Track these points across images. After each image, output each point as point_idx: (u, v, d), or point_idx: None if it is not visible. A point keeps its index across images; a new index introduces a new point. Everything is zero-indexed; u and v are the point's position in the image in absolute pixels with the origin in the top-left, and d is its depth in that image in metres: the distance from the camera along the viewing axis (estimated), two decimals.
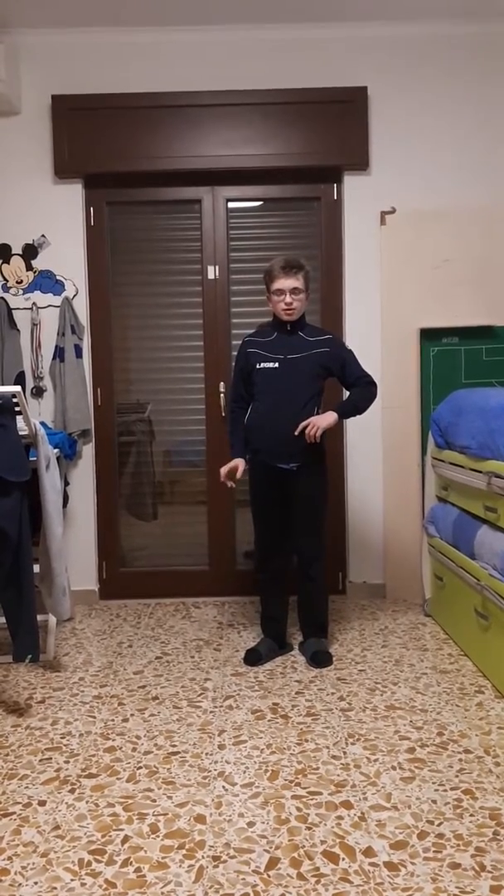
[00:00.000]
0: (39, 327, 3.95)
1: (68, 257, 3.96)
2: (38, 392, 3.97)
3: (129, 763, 2.36)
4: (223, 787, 2.21)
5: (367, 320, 3.96)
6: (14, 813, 2.10)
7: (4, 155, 3.93)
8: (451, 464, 3.33)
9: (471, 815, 2.04)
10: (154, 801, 2.15)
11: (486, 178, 3.93)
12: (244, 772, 2.29)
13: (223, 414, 4.02)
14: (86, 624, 3.75)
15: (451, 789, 2.17)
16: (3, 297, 3.92)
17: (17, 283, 3.96)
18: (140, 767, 2.33)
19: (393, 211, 3.93)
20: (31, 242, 3.96)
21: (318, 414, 3.05)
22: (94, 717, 2.68)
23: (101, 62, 3.89)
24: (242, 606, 3.95)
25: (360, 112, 3.84)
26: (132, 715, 2.70)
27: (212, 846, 1.93)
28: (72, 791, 2.21)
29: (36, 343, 3.95)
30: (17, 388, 2.73)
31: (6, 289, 3.96)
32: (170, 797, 2.16)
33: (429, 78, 3.90)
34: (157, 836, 1.98)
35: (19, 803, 2.15)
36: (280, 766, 2.32)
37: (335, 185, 3.99)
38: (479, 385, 3.88)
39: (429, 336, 3.91)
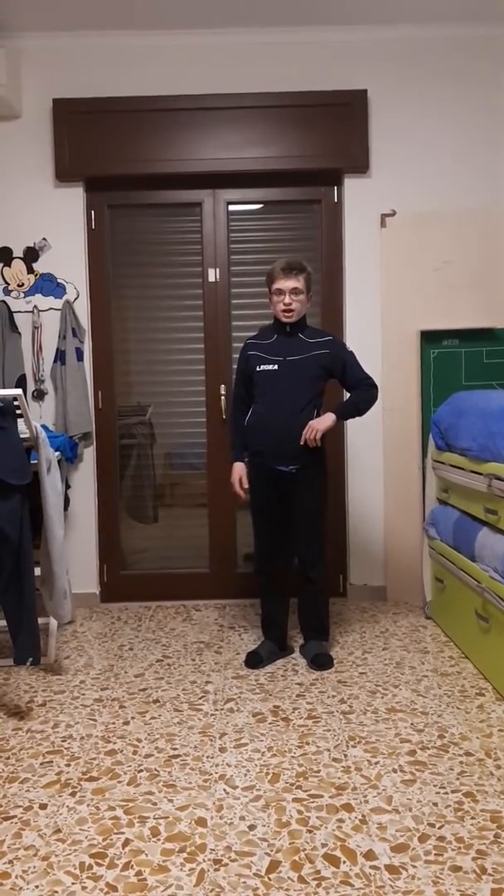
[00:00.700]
0: (40, 330, 3.96)
1: (69, 260, 3.97)
2: (40, 395, 3.98)
3: (129, 766, 2.36)
4: (224, 790, 2.21)
5: (367, 322, 3.96)
6: (15, 816, 2.10)
7: (6, 158, 3.94)
8: (451, 466, 3.33)
9: (472, 818, 2.04)
10: (155, 804, 2.15)
11: (486, 180, 3.93)
12: (245, 775, 2.29)
13: (223, 417, 4.03)
14: (87, 627, 3.75)
15: (453, 792, 2.17)
16: (4, 301, 3.93)
17: (18, 286, 3.97)
18: (141, 770, 2.33)
19: (393, 213, 3.93)
20: (32, 246, 3.96)
21: (318, 416, 3.05)
22: (95, 720, 2.68)
23: (102, 66, 3.90)
24: (243, 609, 3.95)
25: (360, 115, 3.84)
26: (133, 718, 2.70)
27: (213, 849, 1.93)
28: (73, 794, 2.21)
29: (37, 346, 3.96)
30: (18, 391, 2.73)
31: (7, 292, 3.97)
32: (171, 800, 2.16)
33: (429, 81, 3.91)
34: (158, 840, 1.98)
35: (20, 807, 2.15)
36: (281, 768, 2.32)
37: (335, 187, 3.99)
38: (479, 387, 3.88)
39: (429, 338, 3.91)
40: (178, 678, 3.05)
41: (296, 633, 3.38)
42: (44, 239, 3.96)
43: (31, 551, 2.81)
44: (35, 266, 3.97)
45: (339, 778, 2.26)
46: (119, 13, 3.69)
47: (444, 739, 2.49)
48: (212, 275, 4.03)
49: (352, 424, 3.94)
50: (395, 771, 2.29)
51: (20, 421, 2.82)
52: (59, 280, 3.97)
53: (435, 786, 2.21)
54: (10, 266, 3.96)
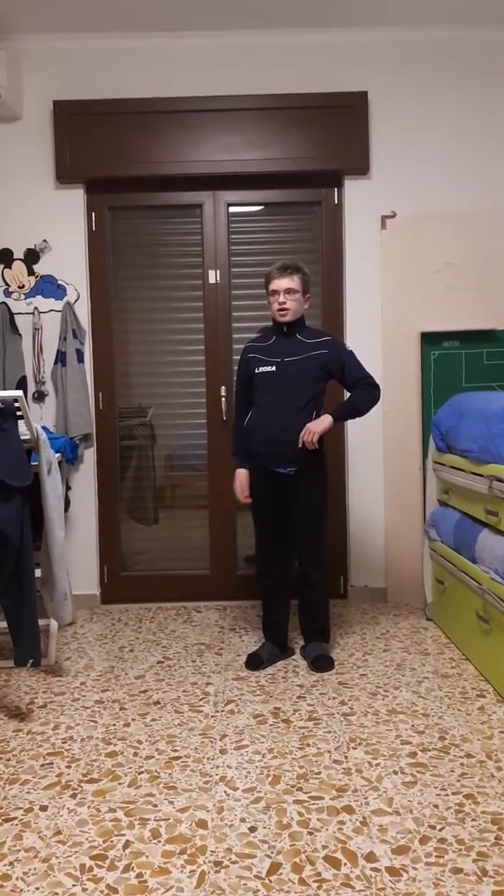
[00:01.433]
0: (41, 332, 3.96)
1: (70, 262, 3.97)
2: (40, 396, 3.98)
3: (130, 768, 2.36)
4: (225, 791, 2.21)
5: (367, 324, 3.97)
6: (15, 818, 2.10)
7: (6, 160, 3.94)
8: (452, 467, 3.33)
9: (473, 820, 2.04)
10: (155, 805, 2.14)
11: (486, 181, 3.93)
12: (246, 776, 2.29)
13: (224, 418, 4.03)
14: (87, 628, 3.75)
15: (453, 794, 2.17)
16: (4, 302, 3.93)
17: (18, 287, 3.97)
18: (141, 772, 2.33)
19: (393, 215, 3.93)
20: (32, 247, 3.97)
21: (317, 417, 3.05)
22: (96, 722, 2.68)
23: (102, 68, 3.90)
24: (244, 611, 3.95)
25: (360, 116, 3.85)
26: (133, 719, 2.70)
27: (213, 851, 1.93)
28: (73, 796, 2.20)
29: (37, 347, 3.96)
30: (19, 393, 2.73)
31: (8, 293, 3.97)
32: (171, 802, 2.16)
33: (429, 82, 3.91)
34: (159, 842, 1.97)
35: (21, 808, 2.15)
36: (282, 770, 2.32)
37: (336, 189, 4.00)
38: (479, 389, 3.88)
39: (429, 340, 3.92)
40: (178, 680, 3.05)
41: (296, 634, 3.38)
42: (44, 240, 3.97)
43: (32, 553, 2.81)
44: (35, 268, 3.97)
45: (339, 780, 2.26)
46: (119, 15, 3.70)
47: (445, 741, 2.48)
48: (212, 276, 4.03)
49: (352, 426, 3.94)
50: (395, 773, 2.29)
51: (21, 422, 2.82)
52: (59, 282, 3.97)
53: (436, 788, 2.20)
54: (10, 268, 3.97)
